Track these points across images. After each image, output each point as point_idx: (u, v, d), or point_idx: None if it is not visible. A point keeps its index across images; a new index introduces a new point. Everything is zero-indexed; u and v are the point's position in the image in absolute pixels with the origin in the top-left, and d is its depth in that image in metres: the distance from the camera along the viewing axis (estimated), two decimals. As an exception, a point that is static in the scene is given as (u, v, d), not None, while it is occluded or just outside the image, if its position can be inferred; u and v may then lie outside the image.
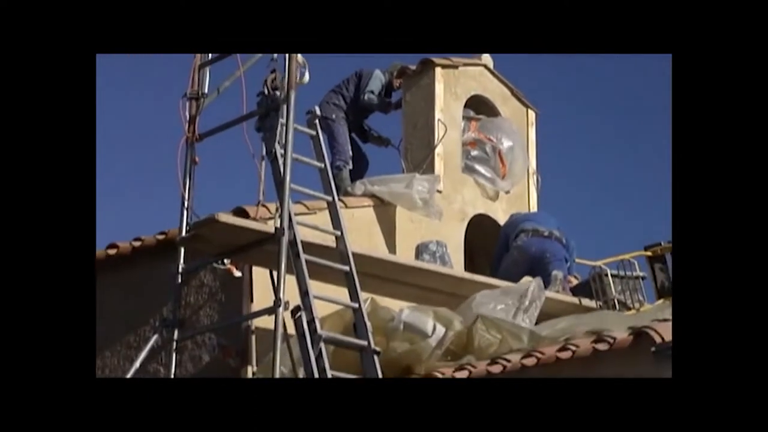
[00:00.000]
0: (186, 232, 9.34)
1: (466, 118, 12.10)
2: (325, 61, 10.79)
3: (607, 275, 10.54)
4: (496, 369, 8.31)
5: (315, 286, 8.37)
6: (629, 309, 10.17)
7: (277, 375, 8.42)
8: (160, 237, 10.30)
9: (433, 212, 11.24)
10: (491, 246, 11.91)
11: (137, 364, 9.55)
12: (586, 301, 10.51)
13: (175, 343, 9.33)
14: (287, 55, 8.75)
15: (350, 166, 11.18)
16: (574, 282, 10.97)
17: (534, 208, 12.52)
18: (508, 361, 8.42)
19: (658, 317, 8.59)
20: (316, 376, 7.95)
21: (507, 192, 12.25)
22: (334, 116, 10.96)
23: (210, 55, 9.50)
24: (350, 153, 11.23)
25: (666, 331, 7.57)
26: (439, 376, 8.57)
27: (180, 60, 9.81)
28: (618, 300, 10.36)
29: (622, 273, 10.61)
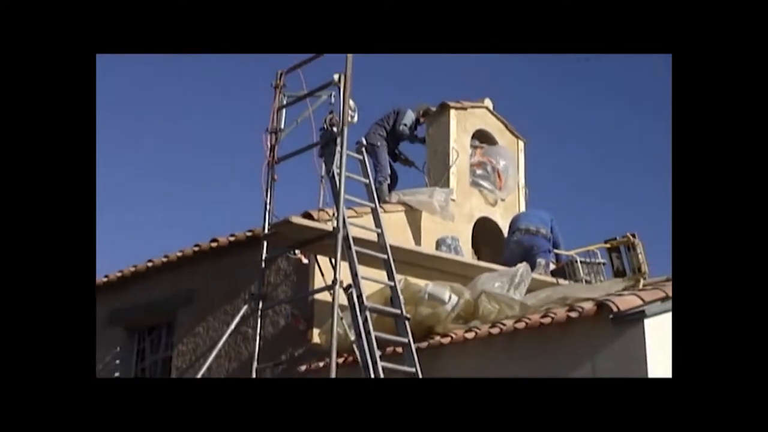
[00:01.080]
0: (268, 230, 9.33)
1: (473, 146, 12.09)
2: (370, 99, 10.90)
3: (576, 261, 10.46)
4: (495, 330, 8.21)
5: (362, 270, 8.24)
6: (590, 284, 10.02)
7: (335, 337, 8.31)
8: (249, 233, 10.25)
9: (448, 215, 11.19)
10: (491, 239, 11.79)
11: (232, 326, 9.47)
12: (562, 281, 10.33)
13: (259, 312, 9.30)
14: (342, 100, 8.76)
15: (388, 181, 11.14)
16: (552, 267, 10.74)
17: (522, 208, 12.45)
18: (504, 324, 8.26)
19: (615, 293, 8.42)
20: (363, 337, 7.80)
21: (503, 200, 12.22)
22: (378, 143, 11.03)
23: (285, 100, 9.49)
24: (389, 171, 11.21)
25: (621, 303, 7.48)
26: (451, 338, 8.39)
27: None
28: (585, 280, 10.24)
29: (588, 260, 10.50)
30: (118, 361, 11.63)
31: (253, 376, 9.06)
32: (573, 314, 7.67)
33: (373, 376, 7.59)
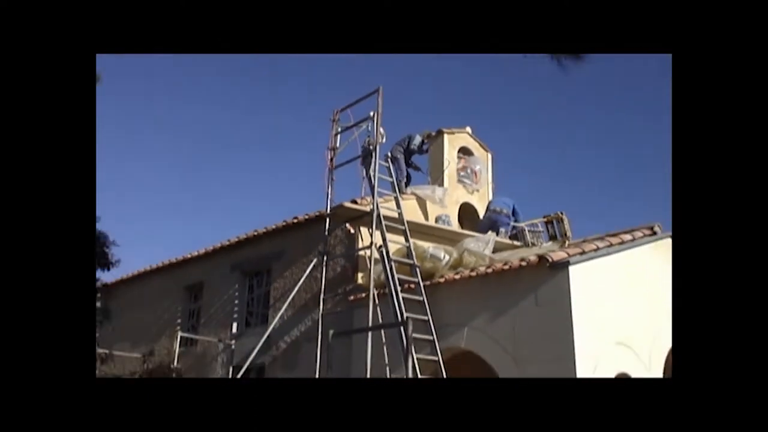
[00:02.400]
0: (329, 211, 9.39)
1: (459, 157, 11.98)
2: (394, 125, 11.00)
3: (525, 230, 10.39)
4: (473, 274, 8.23)
5: (388, 236, 8.31)
6: (535, 245, 9.97)
7: (373, 279, 8.39)
8: (317, 213, 10.14)
9: (443, 203, 11.12)
10: (470, 216, 11.68)
11: (307, 272, 9.61)
12: (516, 243, 10.31)
13: (324, 263, 9.35)
14: (375, 128, 8.88)
15: (405, 181, 11.14)
16: (509, 234, 10.72)
17: (490, 197, 12.23)
18: (479, 270, 8.25)
19: (550, 250, 8.38)
20: (390, 278, 7.88)
21: (478, 191, 12.04)
22: (399, 156, 10.99)
23: (339, 128, 9.58)
24: (405, 174, 11.18)
25: (554, 256, 7.44)
26: (445, 279, 8.41)
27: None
28: (531, 242, 10.17)
29: (532, 229, 10.39)
30: (237, 293, 11.80)
31: (321, 304, 9.21)
32: (523, 263, 7.73)
33: (396, 303, 7.69)
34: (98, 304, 8.74)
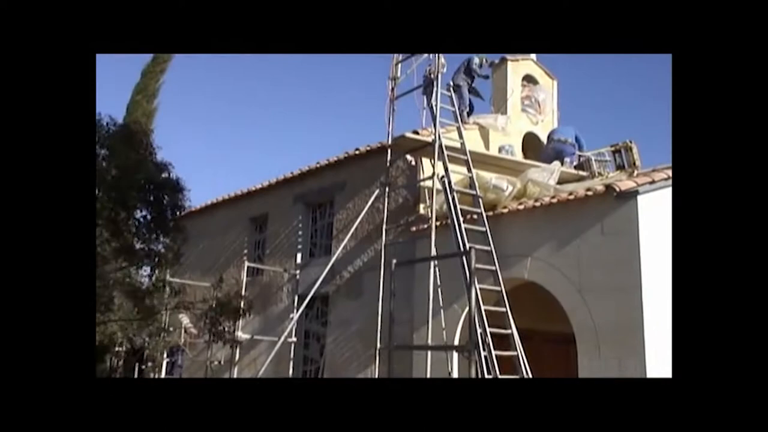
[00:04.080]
0: (391, 142, 9.38)
1: (522, 85, 11.67)
2: (457, 55, 10.77)
3: (591, 159, 10.10)
4: (537, 204, 8.10)
5: (450, 166, 8.26)
6: (602, 176, 9.69)
7: (435, 210, 8.41)
8: (379, 144, 10.14)
9: (506, 131, 10.92)
10: (534, 147, 11.42)
11: (369, 203, 9.69)
12: (582, 173, 10.04)
13: (386, 194, 9.39)
14: (436, 56, 8.65)
15: (468, 110, 10.93)
16: (575, 164, 10.44)
17: (555, 126, 11.94)
18: (543, 200, 8.12)
19: (618, 179, 8.15)
20: (452, 209, 7.85)
21: (542, 120, 11.74)
22: (462, 83, 10.74)
23: (399, 60, 9.43)
24: (468, 102, 10.96)
25: (622, 185, 7.24)
26: (508, 209, 8.34)
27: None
28: (597, 172, 9.90)
29: (599, 158, 10.10)
30: (300, 225, 12.03)
31: (383, 234, 9.30)
32: (589, 193, 7.57)
33: (458, 234, 7.68)
34: (168, 241, 9.07)
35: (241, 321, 10.32)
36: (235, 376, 10.93)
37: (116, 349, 14.08)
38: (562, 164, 9.78)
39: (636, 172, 9.19)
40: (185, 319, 13.26)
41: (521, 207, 8.24)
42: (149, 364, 14.10)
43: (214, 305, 9.95)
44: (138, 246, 8.28)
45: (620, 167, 9.73)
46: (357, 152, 10.75)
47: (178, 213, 8.67)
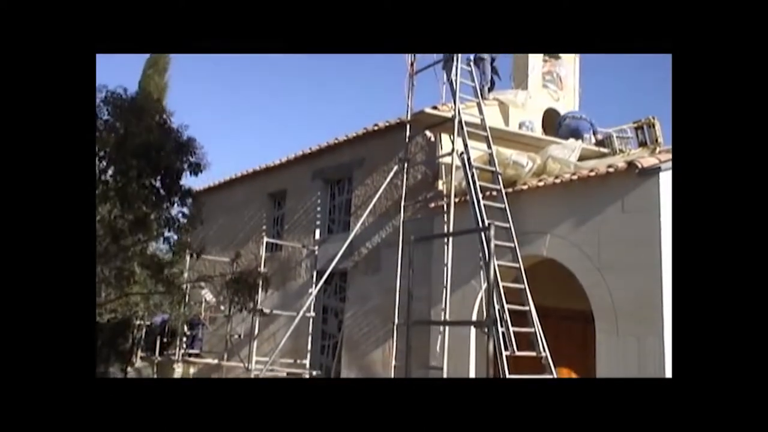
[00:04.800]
0: (410, 117, 9.28)
1: (543, 60, 11.53)
2: None
3: (612, 136, 9.97)
4: (557, 181, 8.05)
5: (470, 143, 8.20)
6: (623, 152, 9.57)
7: (454, 186, 8.38)
8: (398, 120, 10.08)
9: (526, 107, 10.83)
10: (554, 123, 11.20)
11: (388, 179, 9.70)
12: (603, 150, 9.90)
13: (405, 170, 9.38)
14: None
15: (489, 85, 10.83)
16: (596, 139, 10.32)
17: (577, 104, 11.84)
18: (563, 177, 8.02)
19: (639, 156, 8.04)
20: (471, 185, 7.80)
21: (563, 96, 11.67)
22: (485, 57, 10.61)
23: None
24: (489, 78, 10.84)
25: (644, 162, 7.17)
26: (527, 186, 8.28)
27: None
28: (619, 149, 9.77)
29: (621, 135, 9.97)
30: (319, 201, 12.07)
31: (402, 211, 9.29)
32: (610, 170, 7.49)
33: (477, 210, 7.65)
34: (187, 211, 9.01)
35: (260, 295, 10.41)
36: (254, 350, 11.07)
37: (138, 322, 14.33)
38: (582, 141, 9.67)
39: (658, 149, 9.08)
40: (206, 294, 13.42)
41: (541, 184, 8.19)
42: (171, 337, 14.34)
43: (234, 277, 9.99)
44: (152, 216, 8.16)
45: (642, 144, 9.61)
46: (376, 128, 10.72)
47: (195, 174, 8.39)
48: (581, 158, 9.04)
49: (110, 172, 7.44)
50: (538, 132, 10.58)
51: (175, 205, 8.36)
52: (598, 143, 10.06)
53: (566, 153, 8.86)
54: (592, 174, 7.65)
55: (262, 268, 11.68)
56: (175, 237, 8.93)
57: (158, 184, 8.00)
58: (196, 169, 8.26)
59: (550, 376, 6.86)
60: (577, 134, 10.07)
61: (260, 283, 10.11)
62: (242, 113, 38.90)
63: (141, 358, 15.13)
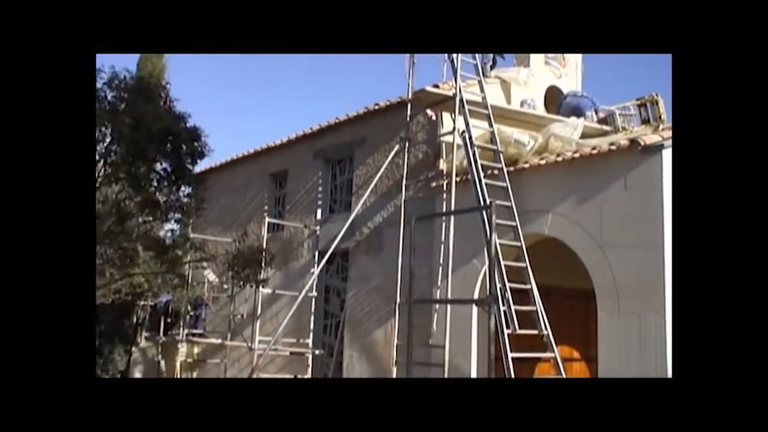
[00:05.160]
0: (410, 96, 9.24)
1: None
2: None
3: (615, 114, 9.92)
4: (559, 159, 7.99)
5: (471, 121, 8.16)
6: (626, 130, 9.52)
7: (455, 165, 8.37)
8: (398, 99, 10.00)
9: (528, 85, 10.77)
10: (556, 101, 11.15)
11: (389, 158, 9.66)
12: (606, 127, 9.87)
13: (406, 149, 9.36)
14: None
15: (490, 63, 10.74)
16: (598, 117, 10.26)
17: (580, 81, 11.78)
18: (565, 155, 7.98)
19: (642, 134, 7.95)
20: (472, 164, 7.79)
21: (566, 74, 11.56)
22: None
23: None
24: (491, 56, 10.74)
25: (647, 139, 7.12)
26: (529, 164, 8.25)
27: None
28: (621, 126, 9.71)
29: (624, 112, 9.92)
30: (320, 181, 12.06)
31: (403, 190, 9.29)
32: (613, 147, 7.46)
33: (479, 189, 7.65)
34: (190, 192, 9.11)
35: (263, 273, 10.44)
36: (257, 329, 11.14)
37: (142, 303, 14.42)
38: (584, 119, 9.62)
39: (662, 127, 9.03)
40: (209, 274, 13.48)
41: (543, 162, 8.17)
42: (174, 317, 14.44)
43: (238, 253, 10.02)
44: (161, 199, 8.32)
45: (646, 121, 9.56)
46: (377, 107, 10.67)
47: (198, 160, 8.61)
48: (583, 136, 9.01)
49: (117, 153, 7.54)
50: (540, 110, 10.52)
51: (182, 189, 8.53)
52: (601, 121, 10.01)
53: (568, 131, 8.83)
54: (595, 152, 7.62)
55: (264, 248, 11.72)
56: (180, 220, 9.06)
57: (167, 168, 8.16)
58: (200, 155, 8.44)
59: (552, 355, 6.90)
60: (579, 112, 10.03)
61: (264, 259, 10.12)
62: (243, 94, 38.76)
63: (145, 338, 15.27)
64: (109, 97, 7.44)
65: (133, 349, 15.22)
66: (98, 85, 7.34)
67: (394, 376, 8.44)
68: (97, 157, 7.58)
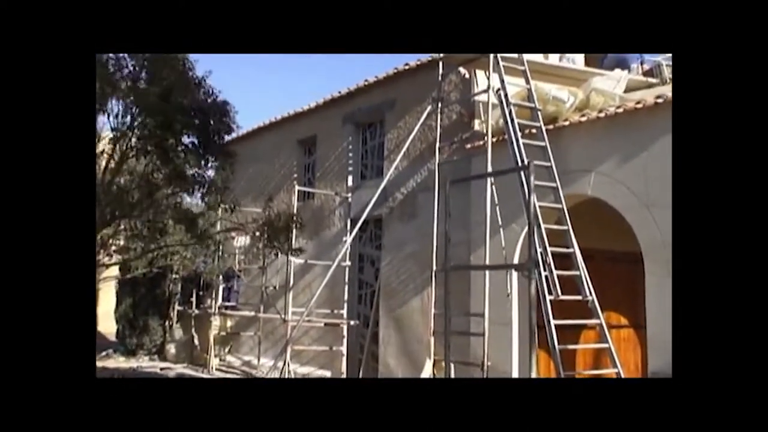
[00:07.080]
0: (442, 54, 9.04)
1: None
2: None
3: (662, 65, 9.58)
4: (601, 115, 7.78)
5: (506, 78, 7.96)
6: (673, 83, 9.26)
7: (491, 125, 8.22)
8: (430, 58, 9.79)
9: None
10: (598, 54, 10.80)
11: (421, 120, 9.55)
12: (652, 80, 9.55)
13: (439, 110, 9.23)
14: None
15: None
16: (643, 69, 9.94)
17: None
18: (607, 111, 7.76)
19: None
20: (509, 123, 7.63)
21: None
22: None
23: None
24: None
25: None
26: (569, 122, 8.06)
27: None
28: (669, 78, 9.40)
29: (671, 62, 9.50)
30: (350, 146, 11.99)
31: (437, 153, 9.17)
32: (659, 101, 7.20)
33: (516, 149, 7.48)
34: (218, 166, 9.17)
35: (294, 242, 10.46)
36: (290, 301, 11.23)
37: (173, 276, 14.64)
38: (628, 71, 9.33)
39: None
40: (241, 242, 13.56)
41: (584, 119, 7.96)
42: (206, 289, 14.64)
43: (266, 223, 10.05)
44: (189, 172, 8.40)
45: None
46: (407, 67, 10.53)
47: (226, 136, 8.67)
48: (627, 90, 8.76)
49: (145, 126, 7.62)
50: (580, 64, 10.22)
51: (210, 163, 8.60)
52: (646, 73, 9.71)
53: (611, 85, 8.58)
54: (639, 106, 7.39)
55: (295, 217, 11.76)
56: (208, 192, 9.11)
57: (196, 141, 8.24)
58: (228, 130, 8.49)
59: (597, 321, 6.80)
60: (623, 64, 9.73)
61: (295, 226, 10.11)
62: (268, 59, 38.63)
63: (178, 312, 15.55)
64: (129, 66, 7.47)
65: (167, 322, 15.54)
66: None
67: (432, 346, 8.44)
68: (125, 129, 7.69)
